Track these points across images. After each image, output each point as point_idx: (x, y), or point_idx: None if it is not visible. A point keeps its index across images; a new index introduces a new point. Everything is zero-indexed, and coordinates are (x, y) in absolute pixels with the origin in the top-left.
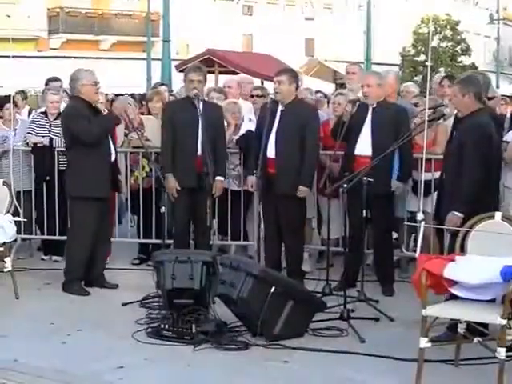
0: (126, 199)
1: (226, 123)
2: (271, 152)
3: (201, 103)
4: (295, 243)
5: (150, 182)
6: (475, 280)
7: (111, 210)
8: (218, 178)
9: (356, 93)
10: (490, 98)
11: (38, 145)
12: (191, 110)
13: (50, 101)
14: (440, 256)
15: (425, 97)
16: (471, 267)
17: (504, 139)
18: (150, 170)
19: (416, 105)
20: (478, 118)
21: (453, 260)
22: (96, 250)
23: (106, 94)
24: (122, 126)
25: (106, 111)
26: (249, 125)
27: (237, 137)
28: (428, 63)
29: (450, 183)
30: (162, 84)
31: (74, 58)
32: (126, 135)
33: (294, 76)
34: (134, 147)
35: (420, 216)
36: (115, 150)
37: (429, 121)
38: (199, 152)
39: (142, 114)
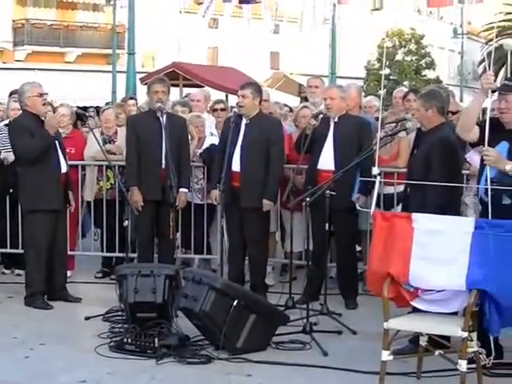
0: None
1: (189, 136)
2: (236, 165)
3: (164, 116)
4: (259, 256)
5: (114, 193)
6: (440, 282)
7: (71, 223)
8: (181, 190)
9: (318, 106)
10: (453, 113)
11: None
12: (154, 122)
13: (12, 108)
14: (396, 213)
15: (387, 110)
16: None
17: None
18: (115, 181)
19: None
20: (442, 133)
21: (408, 219)
22: (54, 262)
23: (72, 107)
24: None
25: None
26: (212, 139)
27: (200, 150)
28: (389, 76)
29: (415, 197)
30: (131, 98)
31: (39, 70)
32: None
33: (257, 90)
34: (97, 160)
35: (375, 171)
36: (66, 162)
37: (392, 134)
38: (163, 164)
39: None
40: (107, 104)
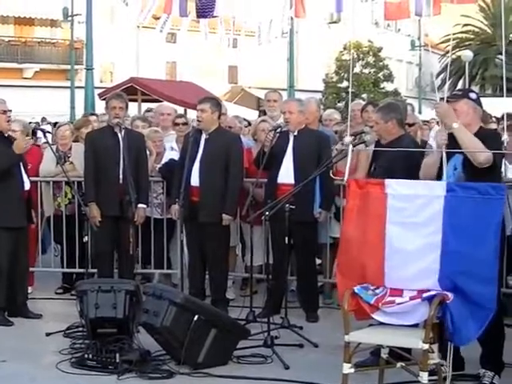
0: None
1: (148, 151)
2: (195, 180)
3: (122, 131)
4: (219, 271)
5: (73, 208)
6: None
7: (31, 240)
8: (140, 205)
9: (277, 120)
10: (410, 125)
11: None
12: (112, 138)
13: None
14: (369, 180)
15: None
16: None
17: None
18: (73, 196)
19: (336, 132)
20: (403, 145)
21: (381, 185)
22: (15, 279)
23: (30, 123)
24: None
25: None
26: (171, 153)
27: (159, 165)
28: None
29: None
30: (92, 114)
31: None
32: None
33: (216, 104)
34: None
35: (347, 139)
36: (29, 179)
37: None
38: (121, 180)
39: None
40: (71, 121)
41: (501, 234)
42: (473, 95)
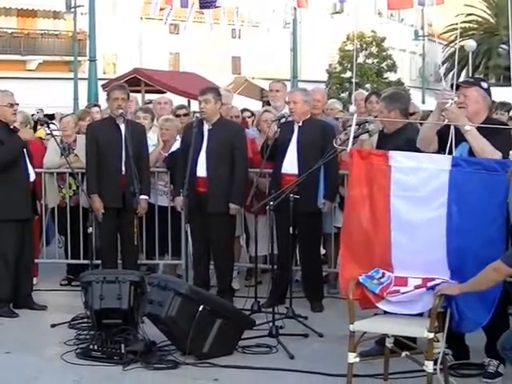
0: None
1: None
2: (201, 171)
3: (124, 123)
4: (225, 261)
5: (77, 199)
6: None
7: (36, 231)
8: (142, 197)
9: (280, 110)
10: (411, 114)
11: None
12: (114, 129)
13: None
14: (372, 151)
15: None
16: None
17: None
18: (77, 187)
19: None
20: (407, 134)
21: (385, 157)
22: (20, 271)
23: (33, 115)
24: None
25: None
26: (178, 143)
27: (166, 154)
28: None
29: None
30: (95, 105)
31: (1, 78)
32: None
33: (218, 94)
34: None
35: (352, 108)
36: (34, 171)
37: (354, 137)
38: (123, 172)
39: (78, 132)
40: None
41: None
42: (484, 84)
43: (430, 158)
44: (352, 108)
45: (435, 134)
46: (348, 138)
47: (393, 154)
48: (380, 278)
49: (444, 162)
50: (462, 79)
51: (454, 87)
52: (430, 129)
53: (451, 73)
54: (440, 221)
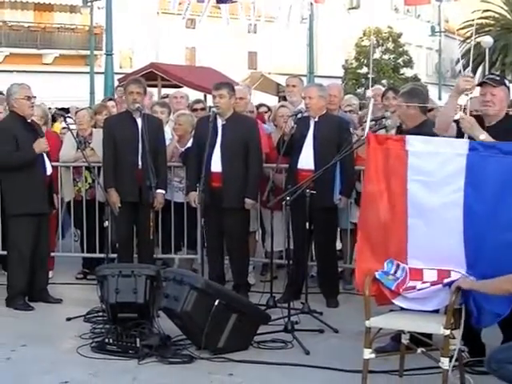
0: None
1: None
2: (216, 166)
3: (141, 117)
4: (241, 256)
5: (93, 193)
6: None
7: (52, 225)
8: (158, 191)
9: (297, 105)
10: (429, 110)
11: None
12: (130, 123)
13: None
14: (389, 136)
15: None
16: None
17: None
18: (93, 180)
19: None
20: (425, 130)
21: (402, 142)
22: (36, 264)
23: (49, 108)
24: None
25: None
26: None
27: (183, 149)
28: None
29: None
30: (110, 99)
31: (17, 72)
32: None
33: (233, 89)
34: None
35: (369, 92)
36: (51, 165)
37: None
38: (140, 166)
39: (94, 126)
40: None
41: None
42: (507, 83)
43: (446, 142)
44: (369, 92)
45: (451, 121)
46: (363, 136)
47: (410, 138)
48: (395, 271)
49: (461, 146)
50: (477, 76)
51: (476, 82)
52: (448, 113)
53: (467, 69)
54: (457, 205)
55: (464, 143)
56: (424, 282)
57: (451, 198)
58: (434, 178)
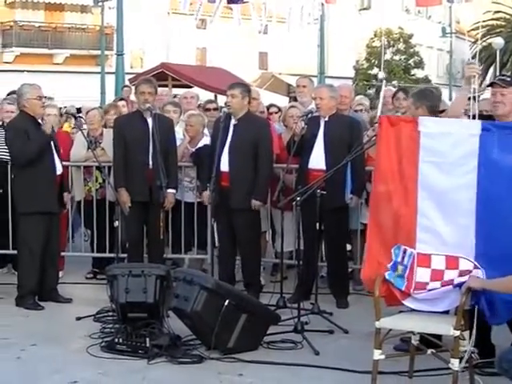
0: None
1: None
2: (224, 166)
3: (151, 116)
4: (252, 256)
5: (103, 193)
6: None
7: (62, 224)
8: (169, 190)
9: (307, 106)
10: (440, 112)
11: None
12: (141, 123)
13: (5, 110)
14: (401, 117)
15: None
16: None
17: None
18: (103, 180)
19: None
20: None
21: (414, 123)
22: (46, 264)
23: (60, 108)
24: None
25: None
26: (206, 139)
27: (193, 149)
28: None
29: None
30: (122, 99)
31: (28, 71)
32: (88, 147)
33: (246, 90)
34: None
35: (381, 74)
36: (61, 164)
37: None
38: (150, 165)
39: (105, 126)
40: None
41: None
42: None
43: (459, 123)
44: (381, 74)
45: (461, 114)
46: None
47: (422, 119)
48: (402, 258)
49: (473, 126)
50: (488, 77)
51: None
52: (459, 104)
53: (470, 59)
54: (470, 187)
55: (477, 123)
56: (434, 281)
57: (464, 180)
58: (447, 159)
